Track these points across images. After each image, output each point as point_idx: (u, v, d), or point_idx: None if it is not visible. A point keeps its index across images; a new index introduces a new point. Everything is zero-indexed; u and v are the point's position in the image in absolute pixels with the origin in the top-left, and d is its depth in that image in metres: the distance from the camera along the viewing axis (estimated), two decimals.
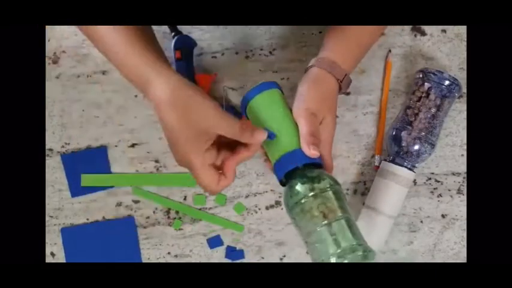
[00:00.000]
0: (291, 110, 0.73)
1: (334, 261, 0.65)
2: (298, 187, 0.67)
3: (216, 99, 0.86)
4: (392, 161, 0.81)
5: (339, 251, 0.65)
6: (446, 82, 0.80)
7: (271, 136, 0.69)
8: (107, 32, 0.67)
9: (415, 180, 0.84)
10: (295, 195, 0.67)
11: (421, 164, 0.83)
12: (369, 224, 0.80)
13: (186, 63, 0.83)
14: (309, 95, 0.72)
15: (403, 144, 0.80)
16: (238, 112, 0.84)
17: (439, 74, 0.80)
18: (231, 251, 0.84)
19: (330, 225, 0.65)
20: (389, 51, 0.86)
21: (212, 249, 0.85)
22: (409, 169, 0.80)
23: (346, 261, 0.64)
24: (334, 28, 0.78)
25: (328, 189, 0.67)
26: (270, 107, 0.72)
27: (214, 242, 0.85)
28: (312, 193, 0.66)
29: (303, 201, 0.67)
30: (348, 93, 0.86)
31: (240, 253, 0.84)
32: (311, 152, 0.68)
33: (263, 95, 0.72)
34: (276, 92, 0.73)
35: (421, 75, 0.81)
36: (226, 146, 0.68)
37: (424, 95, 0.81)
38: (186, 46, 0.84)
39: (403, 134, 0.80)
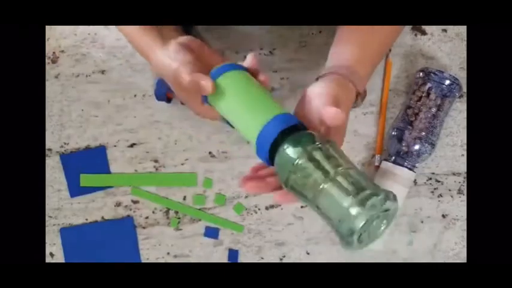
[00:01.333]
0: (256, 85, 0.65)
1: (355, 213, 0.53)
2: (286, 153, 0.57)
3: None
4: (393, 161, 0.81)
5: (355, 199, 0.54)
6: (447, 82, 0.80)
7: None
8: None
9: (415, 180, 0.84)
10: (286, 163, 0.57)
11: (421, 163, 0.82)
12: None
13: None
14: (330, 89, 0.63)
15: (404, 144, 0.80)
16: None
17: (440, 73, 0.80)
18: (232, 254, 0.84)
19: (334, 180, 0.55)
20: (390, 50, 0.86)
21: (212, 250, 0.84)
22: (410, 169, 0.80)
23: (367, 213, 0.53)
24: (347, 30, 0.72)
25: (319, 144, 0.57)
26: (233, 88, 0.64)
27: (211, 232, 0.85)
28: (303, 153, 0.56)
29: (296, 162, 0.56)
30: None
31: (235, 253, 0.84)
32: (335, 116, 0.58)
33: (223, 77, 0.64)
34: (238, 73, 0.65)
35: (421, 75, 0.81)
36: None
37: (424, 94, 0.81)
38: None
39: (404, 133, 0.80)
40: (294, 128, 0.59)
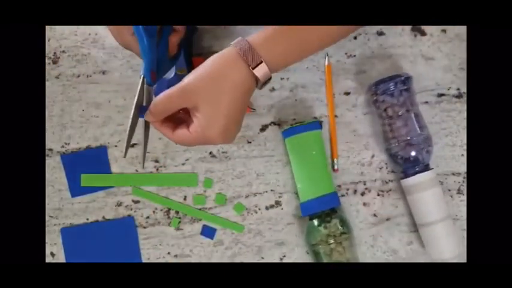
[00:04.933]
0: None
1: None
2: (318, 229, 0.79)
3: None
4: (407, 175, 0.80)
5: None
6: (391, 84, 0.79)
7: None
8: None
9: None
10: (318, 235, 0.79)
11: (431, 158, 0.81)
12: (435, 238, 0.79)
13: (185, 46, 0.83)
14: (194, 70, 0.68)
15: (400, 156, 0.80)
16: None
17: (381, 82, 0.80)
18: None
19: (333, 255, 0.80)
20: (327, 54, 0.85)
21: (212, 249, 0.85)
22: (425, 170, 0.80)
23: None
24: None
25: (347, 234, 0.79)
26: (309, 148, 0.81)
27: (207, 232, 0.85)
28: (333, 239, 0.79)
29: (321, 239, 0.79)
30: (348, 93, 0.85)
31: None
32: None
33: (306, 135, 0.81)
34: (317, 135, 0.82)
35: (371, 90, 0.82)
36: None
37: (383, 105, 0.81)
38: (186, 29, 0.83)
39: (393, 148, 0.80)
40: (332, 210, 0.81)
